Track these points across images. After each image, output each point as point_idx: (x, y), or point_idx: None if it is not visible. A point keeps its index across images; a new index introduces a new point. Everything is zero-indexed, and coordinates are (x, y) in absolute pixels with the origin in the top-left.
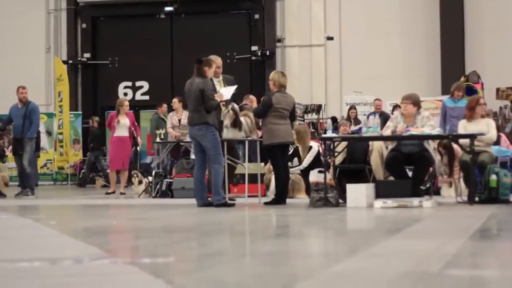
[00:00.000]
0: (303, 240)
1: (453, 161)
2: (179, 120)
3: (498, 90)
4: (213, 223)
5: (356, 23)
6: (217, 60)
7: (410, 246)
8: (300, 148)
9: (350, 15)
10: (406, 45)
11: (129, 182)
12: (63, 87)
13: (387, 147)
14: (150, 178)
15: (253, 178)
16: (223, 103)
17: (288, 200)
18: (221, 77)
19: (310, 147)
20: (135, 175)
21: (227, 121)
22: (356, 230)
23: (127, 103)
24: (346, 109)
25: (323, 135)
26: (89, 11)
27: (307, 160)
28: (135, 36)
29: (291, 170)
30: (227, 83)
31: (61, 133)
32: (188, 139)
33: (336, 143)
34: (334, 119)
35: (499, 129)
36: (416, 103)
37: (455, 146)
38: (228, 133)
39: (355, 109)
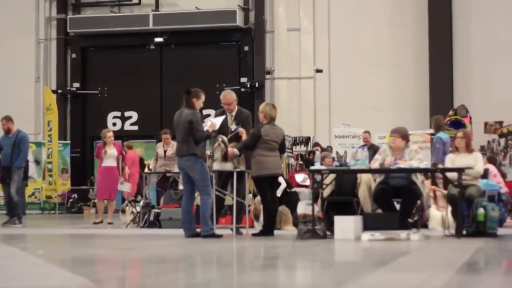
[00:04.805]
0: (291, 272)
1: None
2: (165, 152)
3: (486, 124)
4: (200, 254)
5: (345, 56)
6: (227, 96)
7: (397, 279)
8: None
9: (339, 48)
10: (395, 78)
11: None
12: (52, 116)
13: (375, 180)
14: (138, 208)
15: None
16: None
17: (275, 232)
18: (234, 112)
19: None
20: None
21: (217, 154)
22: (344, 262)
23: (110, 133)
24: (335, 141)
25: (312, 167)
26: (79, 41)
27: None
28: (124, 67)
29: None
30: (240, 117)
31: (50, 162)
32: (176, 169)
33: (324, 175)
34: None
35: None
36: (405, 136)
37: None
38: (217, 165)
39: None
